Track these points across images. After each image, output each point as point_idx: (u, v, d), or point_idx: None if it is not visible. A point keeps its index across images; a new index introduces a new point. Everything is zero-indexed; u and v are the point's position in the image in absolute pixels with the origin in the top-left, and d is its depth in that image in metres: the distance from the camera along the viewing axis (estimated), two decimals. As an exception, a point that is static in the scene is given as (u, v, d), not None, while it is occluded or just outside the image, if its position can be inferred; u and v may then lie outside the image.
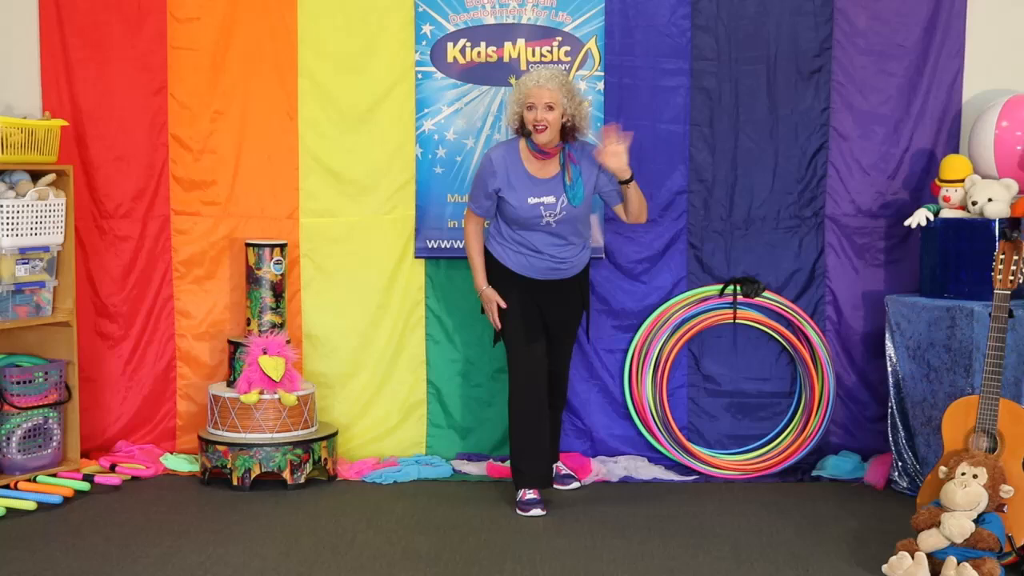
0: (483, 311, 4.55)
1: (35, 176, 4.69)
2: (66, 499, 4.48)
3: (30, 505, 4.36)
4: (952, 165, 4.71)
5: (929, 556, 3.62)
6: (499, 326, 4.44)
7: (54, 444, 4.77)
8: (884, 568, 3.69)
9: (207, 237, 5.15)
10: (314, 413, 4.91)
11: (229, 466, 4.69)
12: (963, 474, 3.66)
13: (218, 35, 5.06)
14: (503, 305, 4.41)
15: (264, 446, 4.69)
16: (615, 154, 4.22)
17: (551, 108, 4.22)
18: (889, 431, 4.80)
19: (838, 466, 4.96)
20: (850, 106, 5.02)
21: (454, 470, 5.02)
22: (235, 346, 4.88)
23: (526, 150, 4.36)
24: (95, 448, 5.10)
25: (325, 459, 4.82)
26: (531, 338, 4.42)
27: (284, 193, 5.13)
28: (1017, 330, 4.28)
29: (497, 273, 4.47)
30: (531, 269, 4.42)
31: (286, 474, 4.70)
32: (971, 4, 4.96)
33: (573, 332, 4.67)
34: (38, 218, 4.59)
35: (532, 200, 4.31)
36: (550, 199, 4.31)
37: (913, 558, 3.62)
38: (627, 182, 4.29)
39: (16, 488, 4.53)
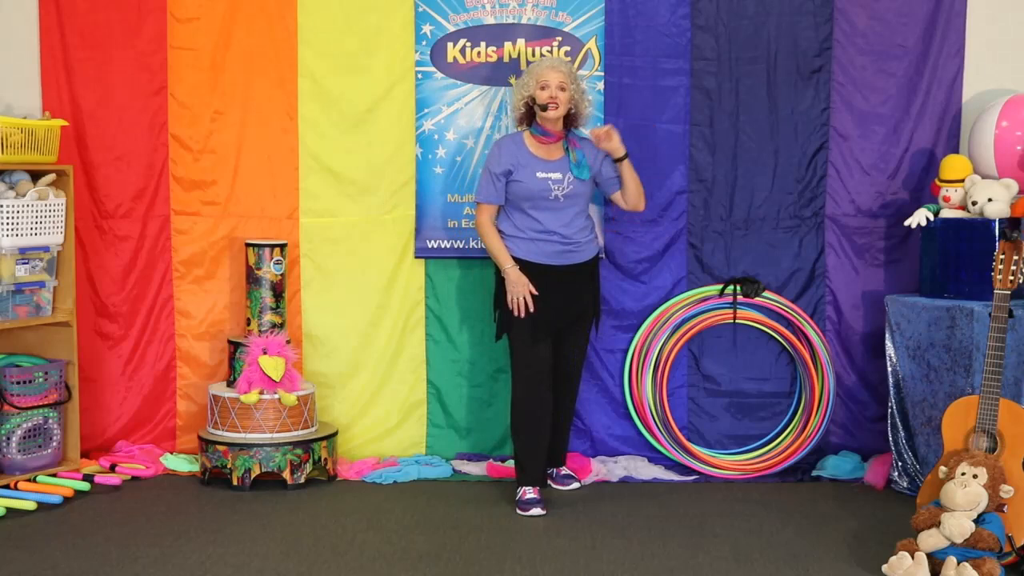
0: (496, 309, 4.55)
1: (35, 176, 4.69)
2: (66, 499, 4.48)
3: (30, 505, 4.36)
4: (952, 165, 4.71)
5: (929, 556, 3.62)
6: (522, 313, 4.40)
7: (54, 444, 4.77)
8: (884, 568, 3.69)
9: (207, 237, 5.15)
10: (314, 413, 4.91)
11: (229, 466, 4.69)
12: (963, 474, 3.66)
13: (218, 35, 5.06)
14: (534, 292, 4.40)
15: (264, 446, 4.69)
16: (606, 135, 4.47)
17: (563, 89, 4.42)
18: (889, 431, 4.80)
19: (838, 466, 4.96)
20: (850, 106, 5.02)
21: (454, 470, 5.02)
22: (235, 346, 4.88)
23: (531, 138, 4.50)
24: (95, 448, 5.10)
25: (325, 459, 4.82)
26: (537, 337, 4.43)
27: (284, 193, 5.13)
28: (1017, 330, 4.28)
29: None
30: (542, 254, 4.45)
31: (286, 474, 4.70)
32: (971, 4, 4.96)
33: (585, 328, 4.67)
34: (38, 218, 4.59)
35: (541, 175, 4.43)
36: (557, 175, 4.45)
37: (913, 558, 3.62)
38: (622, 159, 4.50)
39: (16, 488, 4.53)
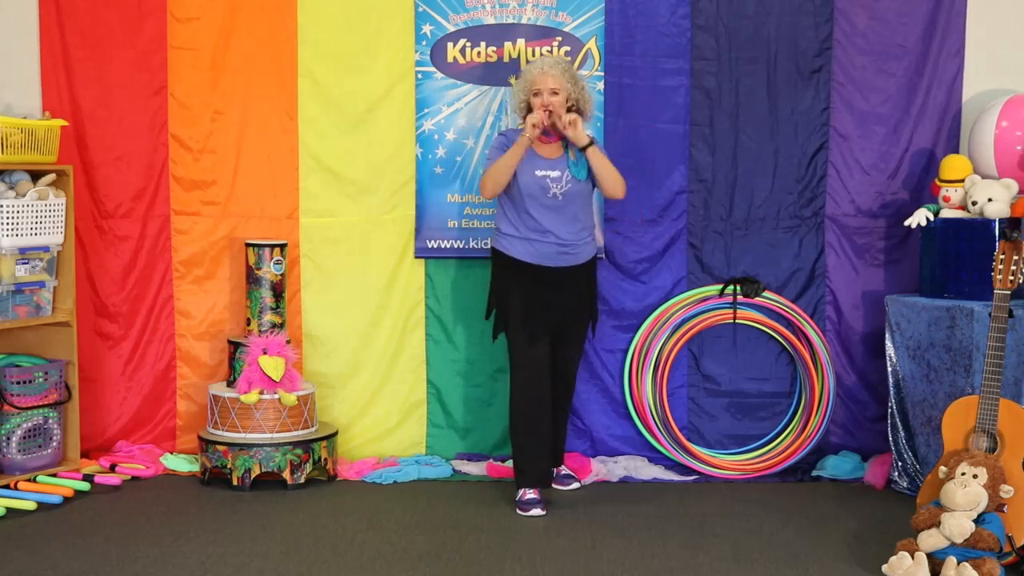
0: (491, 309, 4.60)
1: (35, 176, 4.69)
2: (66, 499, 4.48)
3: (30, 505, 4.36)
4: (952, 165, 4.71)
5: (929, 556, 3.62)
6: (546, 122, 4.39)
7: (54, 444, 4.77)
8: (884, 568, 3.69)
9: (207, 237, 5.15)
10: (314, 413, 4.91)
11: (229, 466, 4.69)
12: (963, 474, 3.66)
13: (218, 35, 5.06)
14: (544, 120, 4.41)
15: (264, 446, 4.69)
16: (570, 123, 4.36)
17: (555, 93, 4.40)
18: (889, 431, 4.81)
19: (838, 466, 4.96)
20: (850, 106, 5.02)
21: (454, 470, 5.02)
22: (235, 346, 4.88)
23: None
24: (95, 448, 5.10)
25: (325, 459, 4.82)
26: (534, 338, 4.43)
27: (284, 193, 5.13)
28: (1017, 330, 4.28)
29: (504, 270, 4.49)
30: (538, 255, 4.44)
31: (286, 474, 4.70)
32: (971, 4, 4.96)
33: (581, 332, 4.67)
34: (38, 218, 4.59)
35: (539, 172, 4.42)
36: (555, 173, 4.43)
37: (913, 558, 3.62)
38: (585, 148, 4.40)
39: (16, 488, 4.53)
